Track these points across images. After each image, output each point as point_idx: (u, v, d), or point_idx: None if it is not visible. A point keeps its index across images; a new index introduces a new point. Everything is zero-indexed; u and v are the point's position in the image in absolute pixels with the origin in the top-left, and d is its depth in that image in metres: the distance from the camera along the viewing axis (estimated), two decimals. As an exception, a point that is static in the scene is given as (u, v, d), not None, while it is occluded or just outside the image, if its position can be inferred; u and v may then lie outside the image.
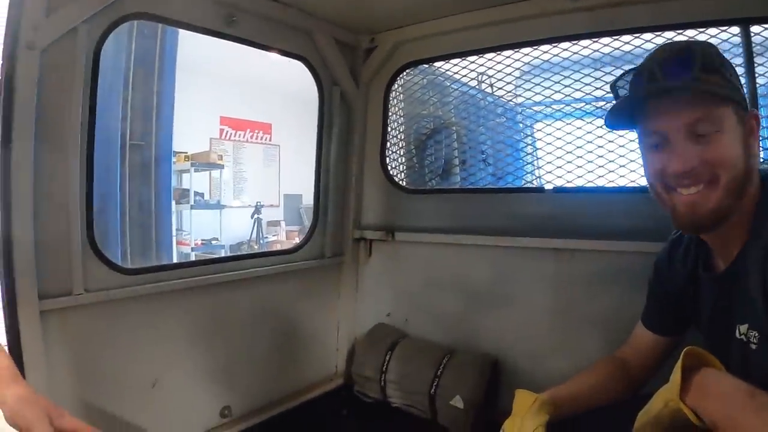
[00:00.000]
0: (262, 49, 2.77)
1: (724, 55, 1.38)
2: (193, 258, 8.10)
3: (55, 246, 2.00)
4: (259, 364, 2.86)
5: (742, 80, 2.26)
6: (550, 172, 2.83)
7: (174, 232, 7.88)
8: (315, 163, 3.13)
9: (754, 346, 1.28)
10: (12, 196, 1.86)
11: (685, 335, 1.71)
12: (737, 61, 2.24)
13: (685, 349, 1.20)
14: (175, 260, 7.25)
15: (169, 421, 2.46)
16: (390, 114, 3.24)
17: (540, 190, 2.90)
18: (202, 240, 8.75)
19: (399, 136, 3.31)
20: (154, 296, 2.32)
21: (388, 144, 3.25)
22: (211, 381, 2.62)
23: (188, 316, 2.50)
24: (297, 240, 9.21)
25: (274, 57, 2.90)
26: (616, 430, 1.39)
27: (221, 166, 9.28)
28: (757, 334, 1.27)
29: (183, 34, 5.55)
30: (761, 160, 2.23)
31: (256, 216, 9.55)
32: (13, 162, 1.86)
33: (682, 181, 1.35)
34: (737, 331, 1.34)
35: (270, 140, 10.69)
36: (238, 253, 8.21)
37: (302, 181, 9.14)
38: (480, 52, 2.93)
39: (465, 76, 3.08)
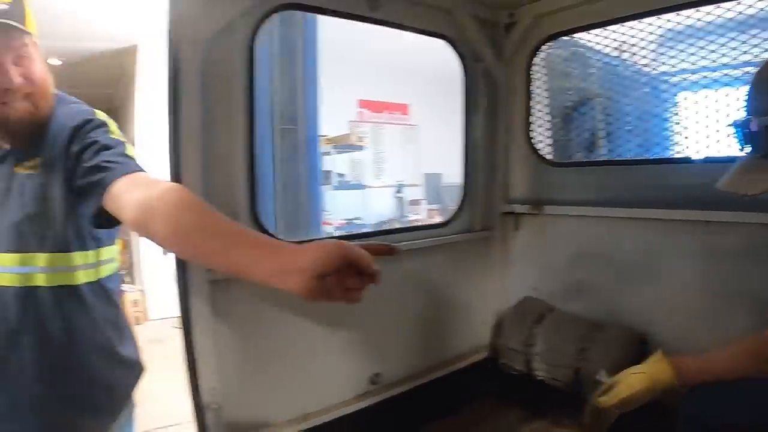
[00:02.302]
0: (405, 30, 2.84)
1: None
2: (336, 237, 8.31)
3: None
4: (409, 335, 2.97)
5: None
6: (698, 141, 2.74)
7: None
8: (462, 139, 3.18)
9: None
10: (182, 180, 2.04)
11: None
12: None
13: None
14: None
15: (323, 386, 2.63)
16: (533, 88, 3.22)
17: (688, 160, 2.82)
18: (345, 220, 8.98)
19: (543, 110, 3.28)
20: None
21: (533, 118, 3.24)
22: (362, 349, 2.75)
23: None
24: (438, 219, 9.31)
25: (408, 37, 2.94)
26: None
27: (361, 148, 9.49)
28: None
29: (322, 19, 5.68)
30: None
31: (397, 195, 9.68)
32: (183, 148, 2.05)
33: None
34: None
35: (408, 121, 10.80)
36: (391, 227, 8.37)
37: (442, 160, 9.22)
38: (620, 20, 2.85)
39: (606, 46, 3.03)
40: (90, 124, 1.63)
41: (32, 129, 1.63)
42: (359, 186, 9.44)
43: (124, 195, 1.42)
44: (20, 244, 1.62)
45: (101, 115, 1.70)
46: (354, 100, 9.92)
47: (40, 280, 1.63)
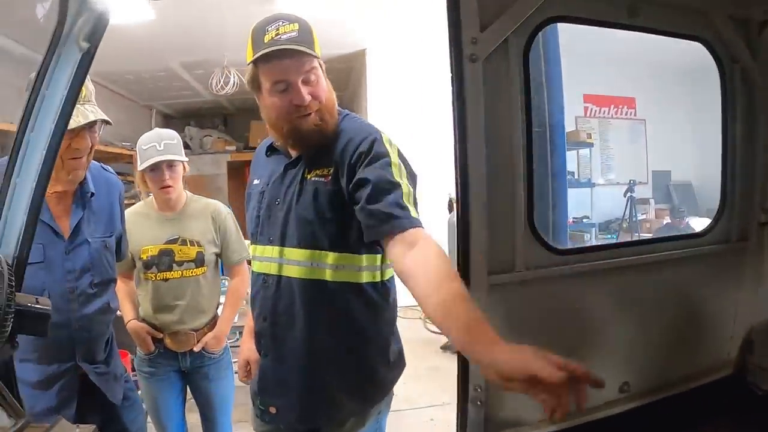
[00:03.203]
0: (662, 35, 2.83)
1: None
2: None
3: (503, 230, 2.36)
4: (658, 345, 2.93)
5: None
6: None
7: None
8: (721, 143, 3.08)
9: None
10: (470, 187, 2.25)
11: None
12: None
13: None
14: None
15: (575, 390, 2.66)
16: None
17: None
18: (573, 218, 8.81)
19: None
20: (575, 276, 2.59)
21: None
22: (613, 356, 2.77)
23: (600, 294, 2.70)
24: (667, 220, 8.89)
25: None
26: None
27: (590, 145, 9.28)
28: None
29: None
30: None
31: (629, 194, 9.31)
32: (469, 160, 2.25)
33: None
34: None
35: (635, 115, 10.39)
36: (651, 237, 8.10)
37: (671, 157, 8.81)
38: None
39: None
40: (376, 155, 1.80)
41: (319, 140, 1.87)
42: (588, 184, 9.23)
43: (393, 249, 1.66)
44: (311, 242, 1.86)
45: (386, 140, 1.87)
46: (579, 94, 9.70)
47: (327, 275, 1.86)
